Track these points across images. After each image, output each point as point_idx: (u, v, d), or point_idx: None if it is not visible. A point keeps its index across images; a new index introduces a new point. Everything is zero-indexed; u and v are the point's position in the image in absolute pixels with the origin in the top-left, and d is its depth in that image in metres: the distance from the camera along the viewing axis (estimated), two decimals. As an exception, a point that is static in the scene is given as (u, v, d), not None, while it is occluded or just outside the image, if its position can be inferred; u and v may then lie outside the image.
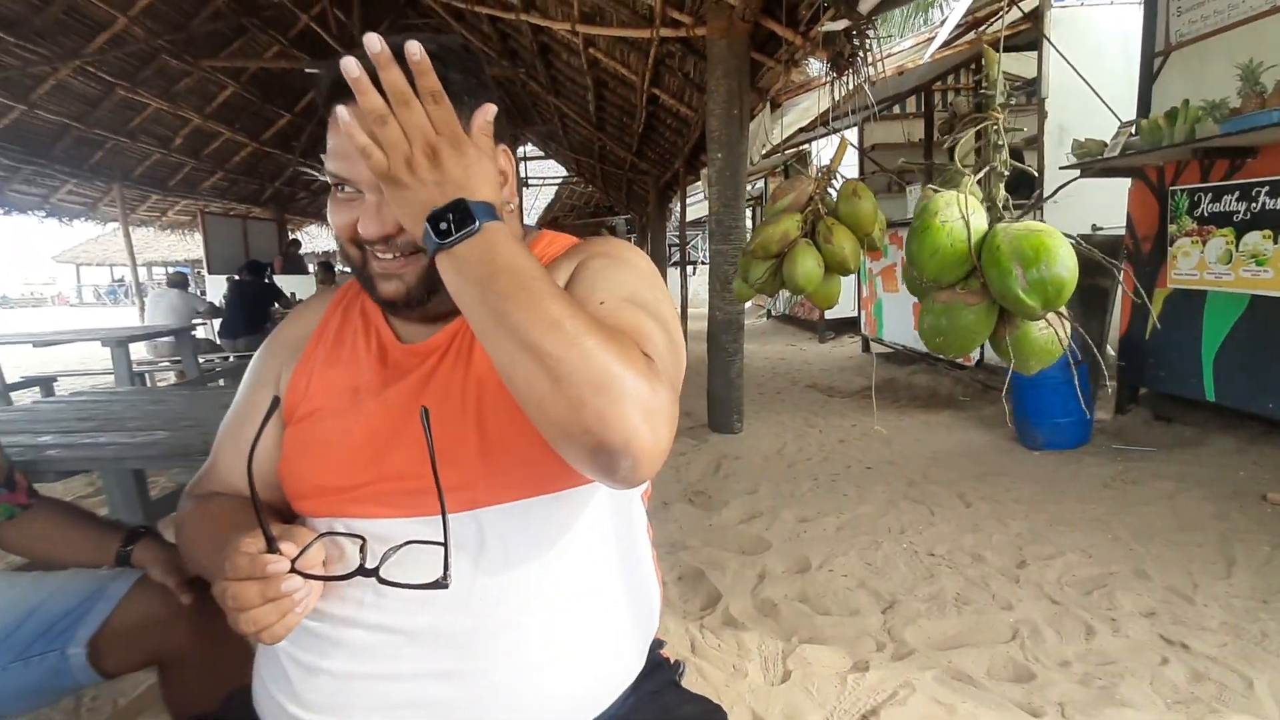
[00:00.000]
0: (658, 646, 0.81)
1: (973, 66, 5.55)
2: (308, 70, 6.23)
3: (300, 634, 0.62)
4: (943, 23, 4.41)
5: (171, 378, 5.79)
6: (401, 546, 0.58)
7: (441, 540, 0.54)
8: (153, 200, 8.23)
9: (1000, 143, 0.97)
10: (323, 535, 0.61)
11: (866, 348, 6.45)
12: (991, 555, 2.19)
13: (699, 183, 8.19)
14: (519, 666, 0.62)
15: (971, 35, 4.42)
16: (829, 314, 7.65)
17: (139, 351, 5.42)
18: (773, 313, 10.68)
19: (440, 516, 0.54)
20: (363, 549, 0.59)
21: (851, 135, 6.11)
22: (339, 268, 8.90)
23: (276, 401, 0.62)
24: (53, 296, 32.24)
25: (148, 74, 5.93)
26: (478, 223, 0.52)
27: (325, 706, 0.62)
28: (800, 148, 6.88)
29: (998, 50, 1.03)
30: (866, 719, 1.45)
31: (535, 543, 0.64)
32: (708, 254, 3.85)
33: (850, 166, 6.55)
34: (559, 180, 16.18)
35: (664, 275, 9.42)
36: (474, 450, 0.63)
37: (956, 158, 0.99)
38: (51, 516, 1.05)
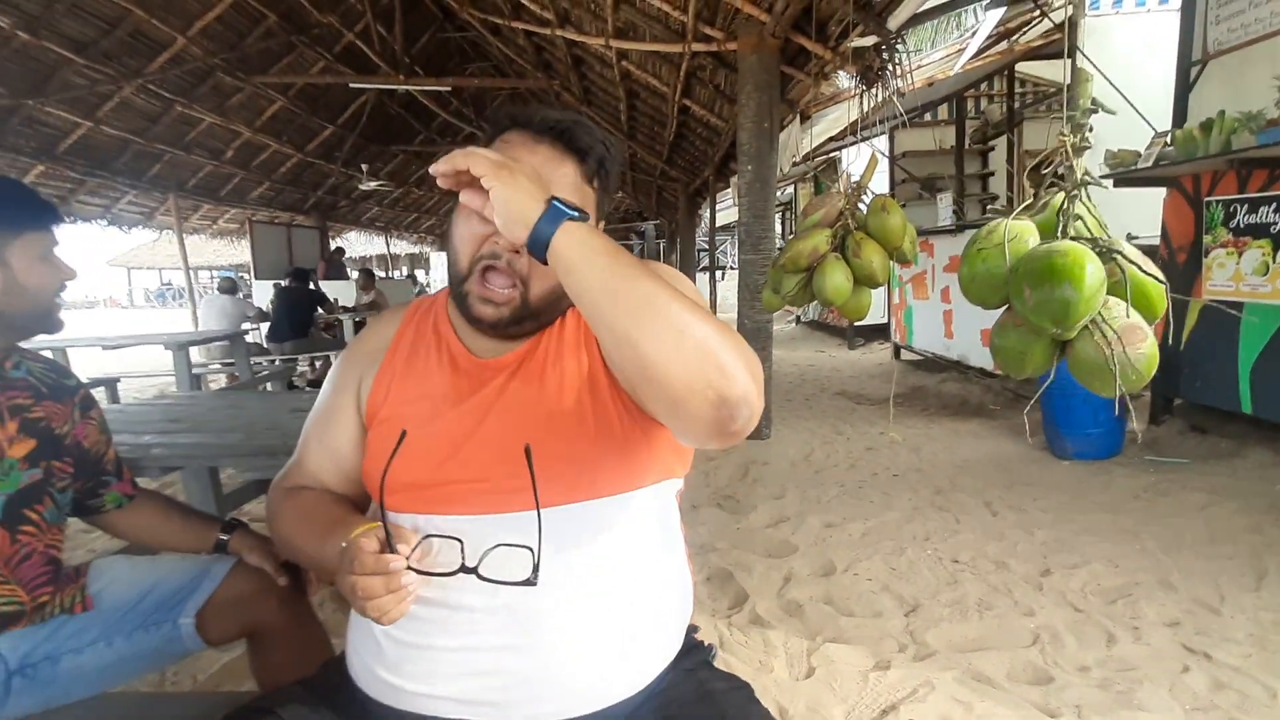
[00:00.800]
0: (692, 631, 0.91)
1: (1005, 74, 5.53)
2: (352, 84, 6.49)
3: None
4: (973, 33, 4.42)
5: (223, 380, 6.07)
6: (495, 548, 0.69)
7: (528, 545, 0.66)
8: (204, 209, 8.62)
9: (1070, 164, 1.00)
10: (426, 537, 0.71)
11: (897, 355, 6.44)
12: (1015, 563, 2.23)
13: (728, 189, 8.27)
14: (575, 644, 0.72)
15: (1003, 45, 4.42)
16: (859, 322, 7.64)
17: (193, 354, 5.70)
18: (802, 319, 10.66)
19: (525, 514, 0.67)
20: (462, 550, 0.69)
21: (881, 143, 6.12)
22: (380, 274, 9.19)
23: (404, 434, 0.74)
24: (105, 299, 33.64)
25: (203, 90, 6.25)
26: (578, 214, 0.63)
27: (412, 673, 0.72)
28: (829, 156, 6.90)
29: (1022, 60, 1.07)
30: (887, 714, 1.51)
31: (590, 538, 0.74)
32: (736, 260, 3.93)
33: (880, 173, 6.56)
34: (590, 187, 16.34)
35: (693, 279, 9.50)
36: (541, 458, 0.72)
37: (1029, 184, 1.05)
38: (156, 507, 1.19)
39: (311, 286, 6.57)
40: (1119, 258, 0.94)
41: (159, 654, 1.08)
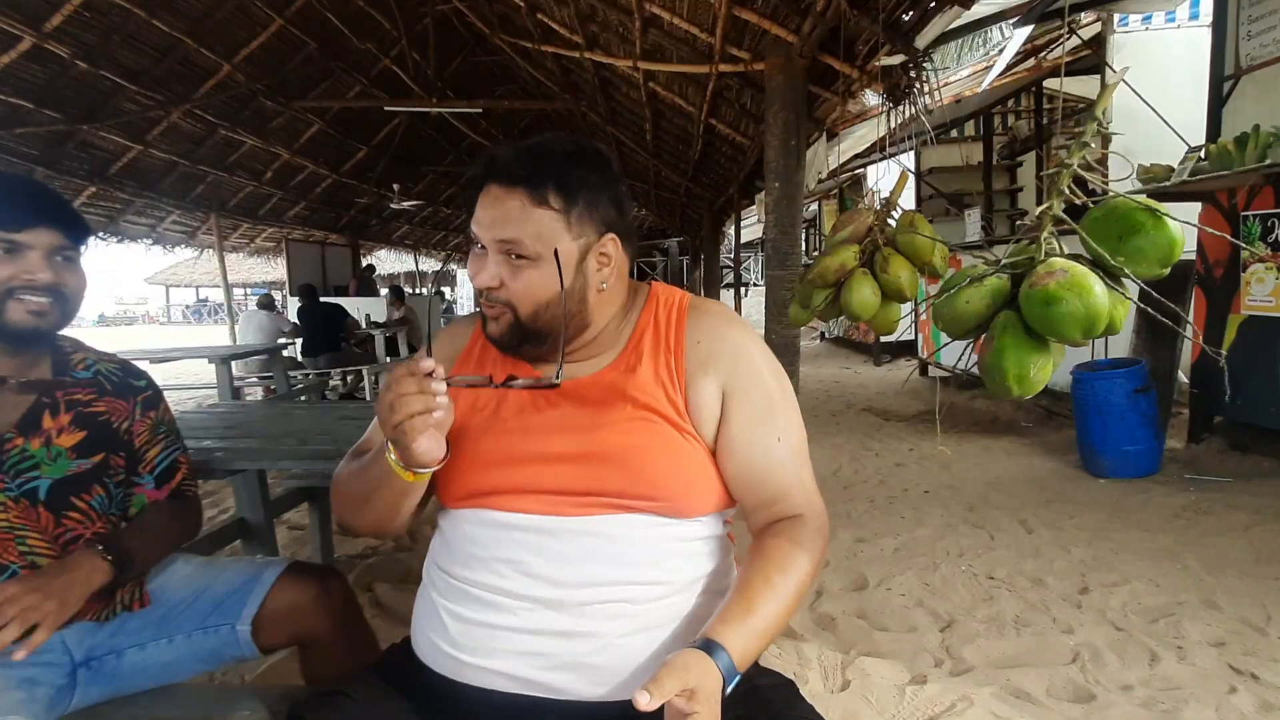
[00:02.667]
0: None
1: (1033, 90, 5.52)
2: (386, 108, 6.70)
3: (456, 594, 0.81)
4: (1000, 50, 4.43)
5: (259, 393, 6.24)
6: (519, 381, 0.79)
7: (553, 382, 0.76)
8: (243, 228, 8.90)
9: (1062, 188, 0.97)
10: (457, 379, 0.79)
11: (924, 371, 6.38)
12: (1053, 580, 2.20)
13: (753, 206, 8.32)
14: (621, 634, 0.77)
15: (1030, 62, 4.42)
16: (885, 337, 7.60)
17: (232, 367, 5.87)
18: (827, 335, 10.63)
19: (590, 519, 0.77)
20: (490, 380, 0.79)
21: (908, 159, 6.13)
22: (409, 290, 9.37)
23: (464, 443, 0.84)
24: (143, 315, 34.70)
25: (246, 115, 6.50)
26: (730, 683, 0.70)
27: (474, 649, 0.78)
28: (855, 173, 6.91)
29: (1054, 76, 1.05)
30: (924, 728, 1.51)
31: (646, 544, 0.79)
32: (761, 276, 3.96)
33: (907, 189, 6.55)
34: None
35: (718, 296, 9.53)
36: (606, 473, 0.79)
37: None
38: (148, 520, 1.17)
39: (338, 301, 6.71)
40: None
41: (216, 655, 1.11)
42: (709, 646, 0.70)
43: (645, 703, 0.63)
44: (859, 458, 3.85)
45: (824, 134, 4.52)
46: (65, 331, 1.11)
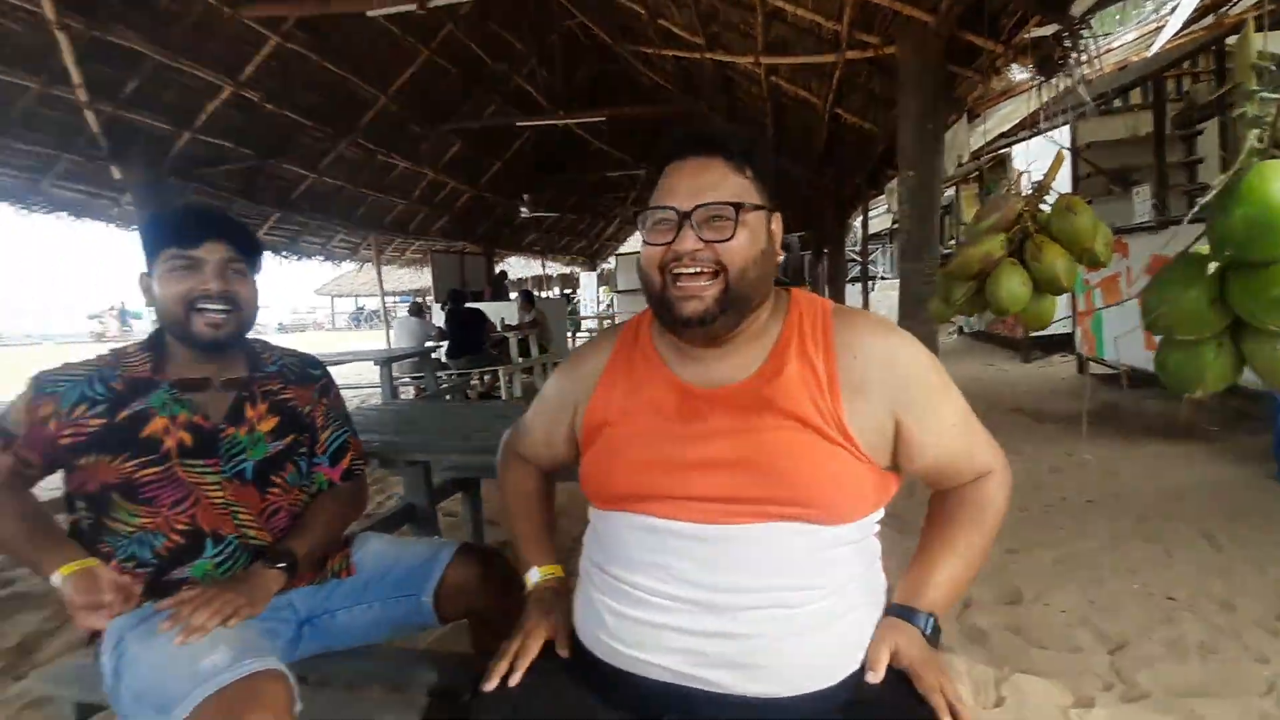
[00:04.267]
0: None
1: (1213, 49, 4.80)
2: (518, 124, 7.12)
3: (614, 592, 0.86)
4: (1173, 9, 3.91)
5: (410, 391, 6.87)
6: None
7: None
8: (395, 243, 9.83)
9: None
10: None
11: (1082, 368, 5.77)
12: (1246, 603, 1.94)
13: (882, 196, 7.93)
14: (775, 637, 0.79)
15: (1209, 20, 3.87)
16: (1036, 332, 6.94)
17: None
18: (965, 330, 9.89)
19: (744, 526, 0.81)
20: None
21: (1061, 136, 5.57)
22: (538, 294, 9.88)
23: (613, 451, 0.92)
24: (312, 323, 39.18)
25: (398, 140, 7.18)
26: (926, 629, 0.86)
27: (632, 642, 0.83)
28: (998, 154, 6.38)
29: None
30: (1092, 754, 1.40)
31: (797, 551, 0.81)
32: (889, 269, 3.75)
33: (1063, 167, 5.93)
34: (732, 202, 16.39)
35: (842, 291, 9.17)
36: (756, 481, 0.81)
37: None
38: (325, 503, 1.31)
39: (476, 306, 7.24)
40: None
41: (404, 622, 1.27)
42: (896, 610, 0.87)
43: (875, 678, 0.81)
44: (1008, 463, 3.57)
45: (964, 114, 4.23)
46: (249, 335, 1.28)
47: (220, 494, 1.15)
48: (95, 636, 1.08)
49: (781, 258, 0.90)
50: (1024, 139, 5.84)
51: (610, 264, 16.78)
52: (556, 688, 0.88)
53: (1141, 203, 5.09)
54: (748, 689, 0.79)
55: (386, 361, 5.06)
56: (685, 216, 0.83)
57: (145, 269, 1.18)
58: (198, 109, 5.22)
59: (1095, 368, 5.49)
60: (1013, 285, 1.53)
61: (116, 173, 4.98)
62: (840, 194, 8.69)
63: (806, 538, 0.81)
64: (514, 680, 0.87)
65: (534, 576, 1.02)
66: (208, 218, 1.17)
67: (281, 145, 6.16)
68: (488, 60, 6.79)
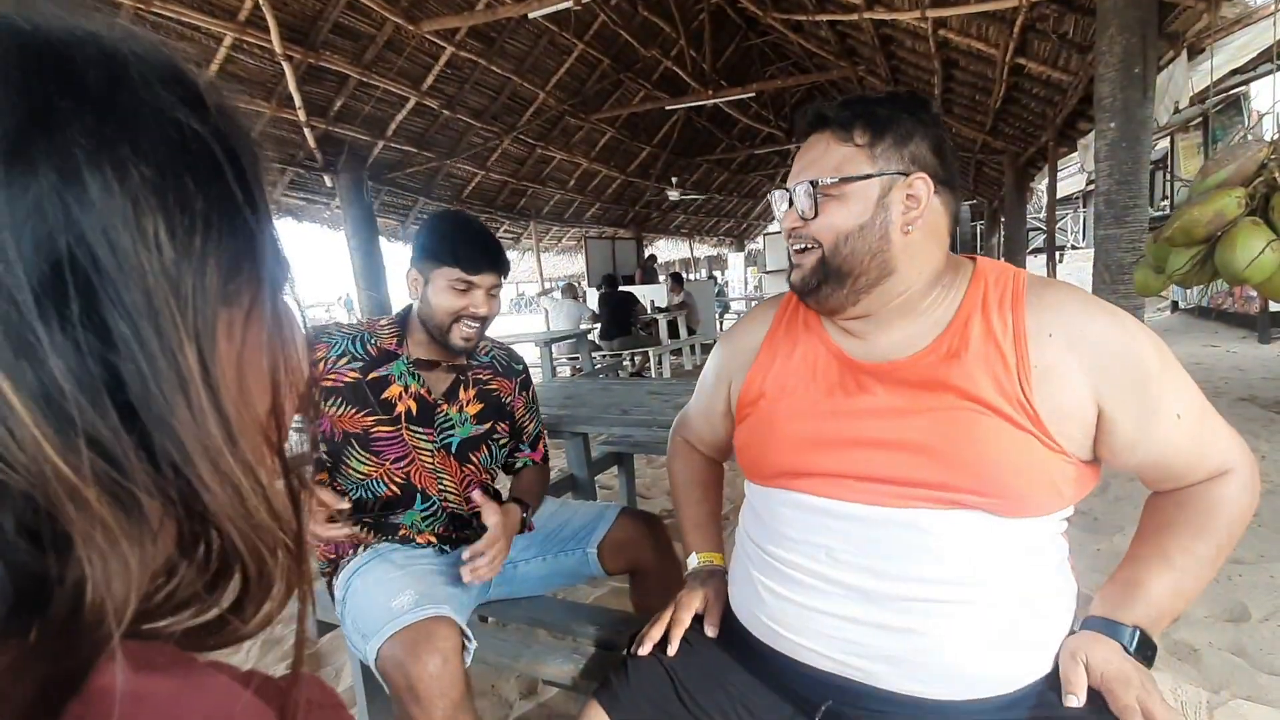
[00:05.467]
0: None
1: None
2: (667, 107, 7.20)
3: (771, 571, 0.85)
4: None
5: (567, 371, 7.30)
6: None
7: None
8: (553, 231, 10.42)
9: None
10: None
11: (1348, 350, 4.71)
12: None
13: (1073, 154, 6.97)
14: (942, 636, 0.74)
15: None
16: (1275, 305, 5.76)
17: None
18: (1180, 304, 8.46)
19: (904, 510, 0.77)
20: None
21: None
22: (687, 277, 9.98)
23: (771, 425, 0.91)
24: (481, 308, 43.01)
25: (555, 133, 7.58)
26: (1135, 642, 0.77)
27: (790, 625, 0.82)
28: (1229, 94, 5.32)
29: None
30: (1344, 804, 1.18)
31: (971, 543, 0.75)
32: (1081, 237, 3.28)
33: None
34: (892, 172, 15.32)
35: (1023, 263, 8.24)
36: (926, 464, 0.76)
37: None
38: (532, 477, 1.49)
39: (628, 289, 7.50)
40: None
41: (574, 573, 1.42)
42: (1095, 624, 0.79)
43: (1076, 702, 0.73)
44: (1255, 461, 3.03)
45: (1184, 52, 3.60)
46: None
47: (430, 460, 1.31)
48: (334, 569, 1.31)
49: (912, 227, 0.80)
50: (1267, 74, 4.82)
51: (758, 244, 16.46)
52: (709, 658, 0.90)
53: None
54: (906, 687, 0.75)
55: (547, 342, 5.43)
56: (789, 196, 0.85)
57: (415, 268, 1.27)
58: (389, 119, 5.90)
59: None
60: (1255, 248, 1.29)
61: (327, 180, 5.77)
62: (1021, 155, 7.79)
63: (983, 530, 0.74)
64: (671, 650, 0.90)
65: (693, 562, 1.05)
66: (489, 250, 1.26)
67: (456, 146, 6.76)
68: (639, 47, 6.92)
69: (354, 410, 1.26)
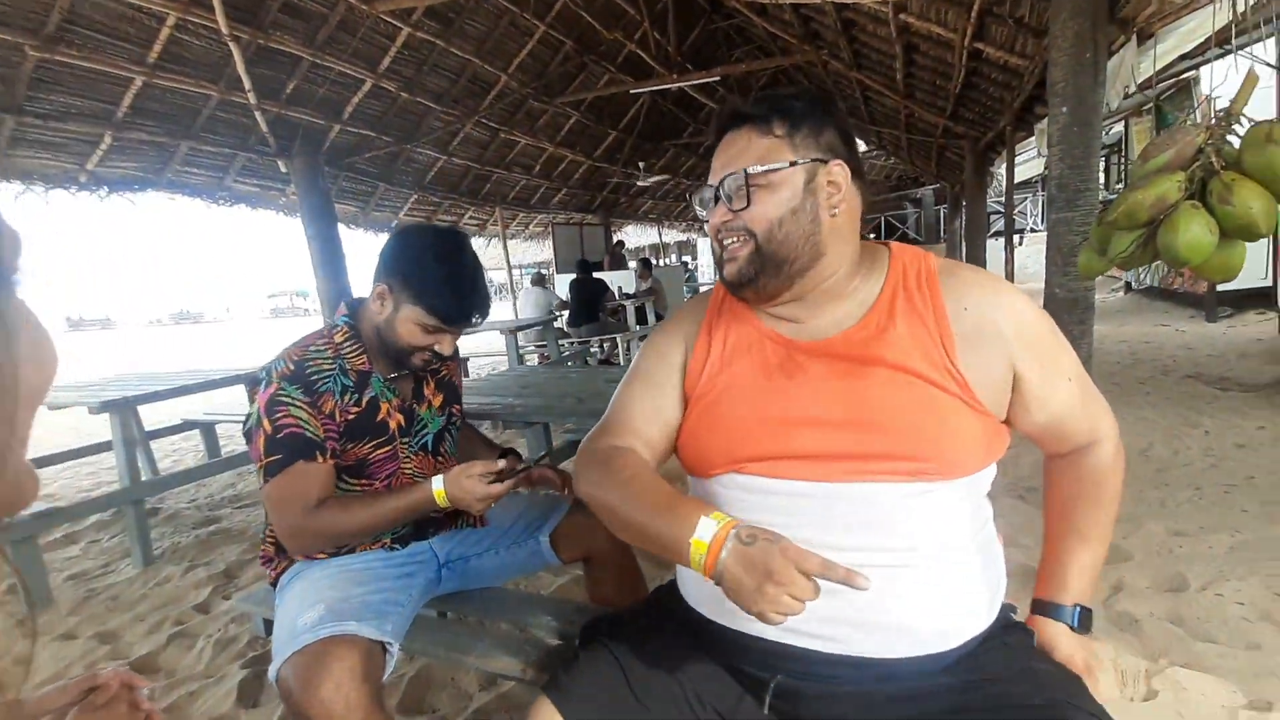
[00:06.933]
0: (1011, 611, 0.88)
1: None
2: (632, 90, 7.11)
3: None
4: None
5: (535, 359, 7.23)
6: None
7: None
8: (519, 217, 10.27)
9: None
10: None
11: (1286, 327, 4.92)
12: None
13: (1030, 138, 7.09)
14: (885, 597, 0.76)
15: None
16: (1223, 285, 5.98)
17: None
18: (1134, 285, 8.74)
19: (852, 485, 0.79)
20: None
21: (1264, 52, 4.64)
22: (655, 263, 9.94)
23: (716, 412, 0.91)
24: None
25: (519, 117, 7.44)
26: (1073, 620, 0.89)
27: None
28: (1179, 79, 5.46)
29: None
30: (1269, 764, 1.24)
31: (912, 510, 0.78)
32: (1040, 221, 3.35)
33: (1264, 91, 4.95)
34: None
35: (983, 246, 8.39)
36: (867, 437, 0.78)
37: None
38: (469, 433, 1.50)
39: (597, 276, 7.45)
40: None
41: (527, 564, 1.40)
42: (1040, 608, 0.91)
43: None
44: (1179, 435, 3.15)
45: (1134, 37, 3.67)
46: None
47: (411, 464, 1.29)
48: (276, 574, 1.27)
49: (837, 211, 0.84)
50: (1213, 59, 4.95)
51: (728, 228, 16.47)
52: (660, 648, 0.90)
53: (1377, 124, 4.16)
54: (853, 649, 0.78)
55: (512, 330, 5.36)
56: (716, 190, 0.87)
57: (386, 285, 1.18)
58: (344, 102, 5.71)
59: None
60: (1195, 232, 1.31)
61: (282, 166, 5.58)
62: (981, 140, 7.91)
63: (922, 495, 0.78)
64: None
65: (711, 526, 0.73)
66: (475, 305, 1.20)
67: (415, 130, 6.59)
68: (602, 30, 6.81)
69: (352, 445, 1.21)
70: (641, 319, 7.53)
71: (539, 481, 1.35)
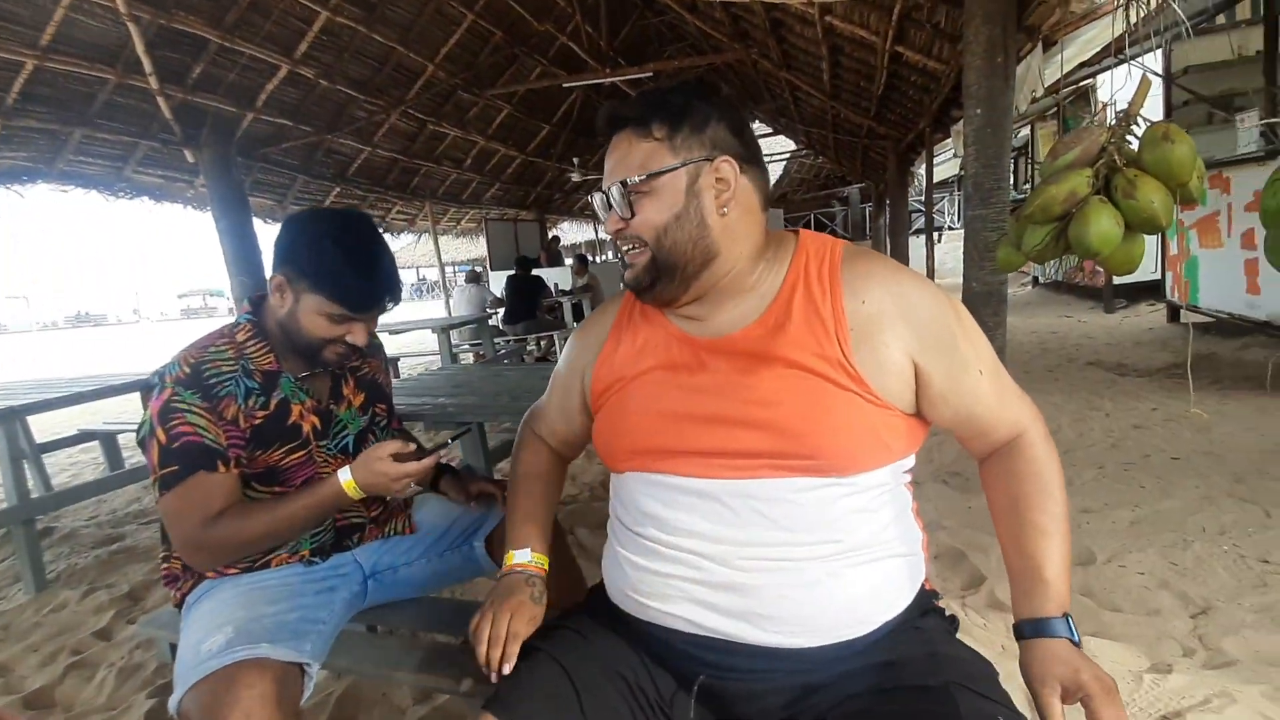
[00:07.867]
0: (933, 597, 0.90)
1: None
2: (564, 85, 7.03)
3: (633, 545, 0.87)
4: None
5: (470, 358, 7.06)
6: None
7: None
8: (451, 212, 9.99)
9: None
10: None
11: (1175, 317, 5.36)
12: (1360, 569, 1.78)
13: (948, 140, 7.45)
14: (789, 587, 0.78)
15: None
16: (1120, 279, 6.46)
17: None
18: (1040, 280, 9.33)
19: (751, 481, 0.79)
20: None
21: (1154, 61, 5.04)
22: (592, 259, 9.88)
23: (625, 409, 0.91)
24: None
25: (447, 109, 7.22)
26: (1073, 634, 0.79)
27: (651, 594, 0.84)
28: (1080, 85, 5.86)
29: None
30: (1169, 721, 1.33)
31: (809, 506, 0.78)
32: (957, 219, 3.54)
33: (1154, 96, 5.36)
34: (787, 155, 15.87)
35: (905, 243, 8.76)
36: (760, 435, 0.79)
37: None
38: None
39: (534, 272, 7.34)
40: None
41: (461, 571, 1.34)
42: (1030, 629, 0.79)
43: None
44: (1084, 418, 3.38)
45: (1039, 44, 3.89)
46: None
47: (330, 469, 1.18)
48: (180, 594, 1.17)
49: (727, 209, 0.83)
50: (1109, 67, 5.33)
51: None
52: (602, 648, 0.88)
53: (1246, 131, 4.59)
54: (761, 639, 0.78)
55: (445, 329, 5.20)
56: (605, 199, 0.86)
57: (283, 276, 1.09)
58: (258, 89, 5.38)
59: (1189, 316, 5.08)
60: (1103, 225, 1.39)
61: (189, 156, 5.21)
62: (902, 140, 8.25)
63: (817, 492, 0.78)
64: (507, 669, 0.85)
65: (524, 556, 0.99)
66: (382, 287, 1.11)
67: (337, 120, 6.29)
68: (533, 21, 6.69)
69: (261, 451, 1.12)
70: (578, 315, 7.47)
71: (478, 497, 1.33)
